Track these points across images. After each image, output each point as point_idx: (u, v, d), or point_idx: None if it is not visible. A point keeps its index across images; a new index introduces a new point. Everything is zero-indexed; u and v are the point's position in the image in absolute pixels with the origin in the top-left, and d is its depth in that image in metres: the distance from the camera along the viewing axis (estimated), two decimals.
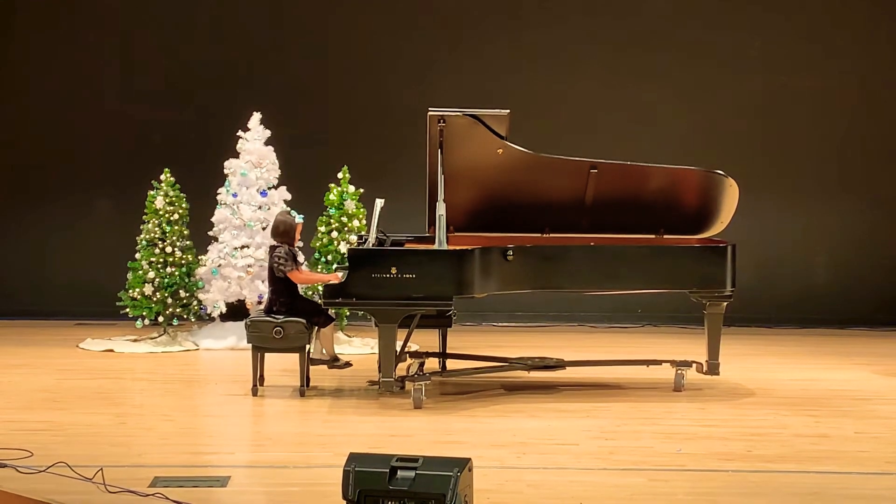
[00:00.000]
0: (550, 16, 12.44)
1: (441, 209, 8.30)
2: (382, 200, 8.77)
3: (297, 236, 8.95)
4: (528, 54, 12.39)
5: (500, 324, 12.26)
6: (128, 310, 10.67)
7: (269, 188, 10.94)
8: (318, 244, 10.80)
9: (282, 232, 8.78)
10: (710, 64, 12.48)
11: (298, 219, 9.07)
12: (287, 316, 8.54)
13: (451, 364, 9.33)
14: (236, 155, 10.94)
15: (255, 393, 8.57)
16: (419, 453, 5.47)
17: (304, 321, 8.52)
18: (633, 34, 12.46)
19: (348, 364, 8.92)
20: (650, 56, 12.43)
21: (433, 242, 8.36)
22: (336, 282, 8.30)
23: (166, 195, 10.67)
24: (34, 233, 12.43)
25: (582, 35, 12.44)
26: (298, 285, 8.82)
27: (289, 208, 10.33)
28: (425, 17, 12.45)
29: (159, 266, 10.57)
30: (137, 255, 10.69)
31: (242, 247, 10.73)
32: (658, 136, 12.26)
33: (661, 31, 12.44)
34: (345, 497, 5.36)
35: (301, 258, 9.78)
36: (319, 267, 10.65)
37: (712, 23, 12.48)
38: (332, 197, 10.84)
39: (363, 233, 10.36)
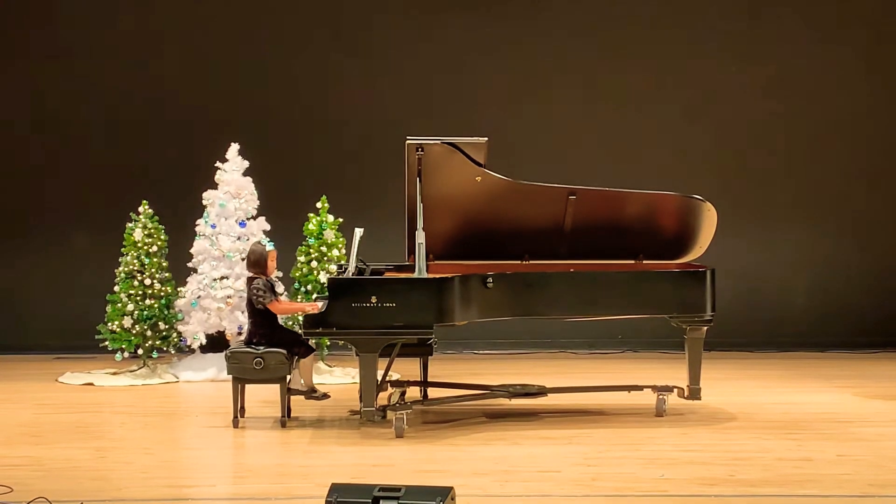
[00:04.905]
0: (528, 43, 12.48)
1: (420, 237, 8.30)
2: (362, 229, 8.76)
3: (273, 264, 8.89)
4: (507, 82, 12.42)
5: (480, 351, 12.23)
6: (107, 343, 10.62)
7: (248, 219, 10.91)
8: (297, 274, 10.78)
9: (254, 262, 8.75)
10: (690, 90, 12.53)
11: (269, 246, 9.03)
12: (267, 347, 8.51)
13: (433, 392, 9.32)
14: (214, 186, 10.92)
15: (235, 424, 8.53)
16: (401, 483, 5.45)
17: (284, 352, 8.49)
18: (612, 61, 12.50)
19: (326, 395, 8.87)
20: (629, 82, 12.47)
21: (413, 271, 8.36)
22: (315, 311, 8.28)
23: (145, 227, 10.64)
24: (11, 266, 12.35)
25: (560, 62, 12.48)
26: (278, 316, 8.79)
27: (258, 239, 10.31)
28: (402, 50, 12.47)
29: (138, 298, 10.52)
30: (116, 288, 10.64)
31: (222, 278, 10.69)
32: (639, 163, 12.27)
33: (640, 57, 12.48)
34: None
35: (280, 288, 9.75)
36: (299, 297, 10.62)
37: (692, 49, 12.53)
38: (311, 227, 10.83)
39: (343, 262, 10.36)
